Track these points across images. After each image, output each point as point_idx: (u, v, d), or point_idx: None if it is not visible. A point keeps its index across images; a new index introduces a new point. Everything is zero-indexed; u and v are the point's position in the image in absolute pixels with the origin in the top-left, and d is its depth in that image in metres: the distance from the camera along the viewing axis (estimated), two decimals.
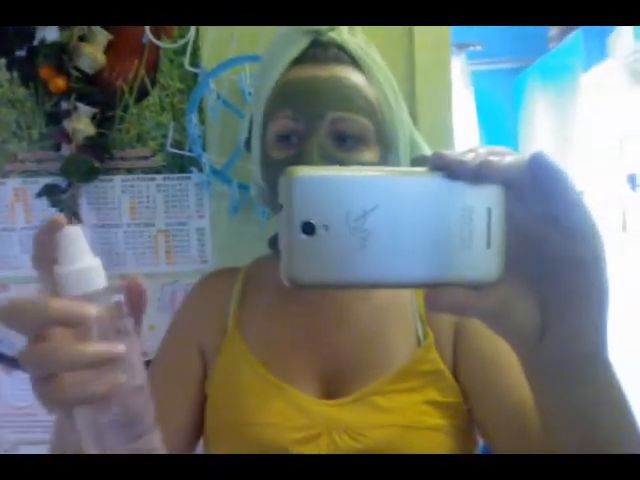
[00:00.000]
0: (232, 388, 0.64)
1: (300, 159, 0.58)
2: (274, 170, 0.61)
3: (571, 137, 2.24)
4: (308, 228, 0.30)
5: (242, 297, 0.70)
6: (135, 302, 0.39)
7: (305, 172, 0.31)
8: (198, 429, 0.67)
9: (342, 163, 0.57)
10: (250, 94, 0.88)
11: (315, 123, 0.58)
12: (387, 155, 0.63)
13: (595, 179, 2.05)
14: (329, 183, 0.31)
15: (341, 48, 0.61)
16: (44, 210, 0.97)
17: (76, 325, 0.34)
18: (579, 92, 2.15)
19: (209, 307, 0.71)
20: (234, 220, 0.94)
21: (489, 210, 0.32)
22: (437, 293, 0.32)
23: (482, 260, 0.32)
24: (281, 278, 0.31)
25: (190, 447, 0.67)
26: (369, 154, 0.60)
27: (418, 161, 0.65)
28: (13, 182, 0.98)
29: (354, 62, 0.61)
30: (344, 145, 0.59)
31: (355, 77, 0.61)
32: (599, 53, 2.07)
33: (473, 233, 0.32)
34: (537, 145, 2.30)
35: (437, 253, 0.31)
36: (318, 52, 0.61)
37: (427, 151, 0.66)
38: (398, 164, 0.64)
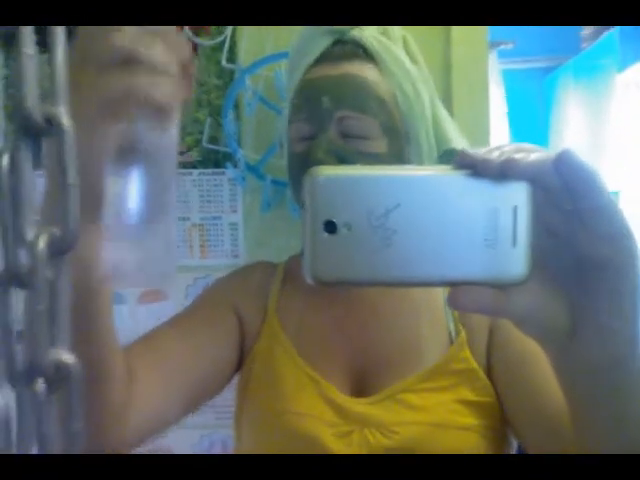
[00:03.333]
0: (269, 374, 0.65)
1: (310, 155, 0.61)
2: (292, 165, 0.65)
3: (604, 138, 2.20)
4: (330, 227, 0.30)
5: (282, 287, 0.71)
6: (187, 75, 0.39)
7: (328, 172, 0.31)
8: (217, 383, 0.67)
9: (347, 155, 0.60)
10: (285, 90, 0.89)
11: (324, 122, 0.61)
12: (404, 147, 0.64)
13: (630, 181, 2.02)
14: (351, 182, 0.31)
15: (358, 44, 0.62)
16: None
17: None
18: (613, 92, 2.11)
19: (250, 288, 0.71)
20: (266, 216, 0.95)
21: (515, 208, 0.31)
22: (460, 292, 0.32)
23: (508, 259, 0.31)
24: (304, 276, 0.31)
25: (206, 396, 0.66)
26: (376, 145, 0.61)
27: (446, 155, 0.66)
28: None
29: (370, 57, 0.63)
30: (350, 141, 0.61)
31: (368, 73, 0.62)
32: (635, 53, 2.03)
33: (499, 232, 0.31)
34: (568, 145, 2.27)
35: (461, 252, 0.31)
36: (336, 50, 0.63)
37: (457, 144, 0.66)
38: (420, 157, 0.65)
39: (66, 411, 0.21)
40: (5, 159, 0.23)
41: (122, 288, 0.39)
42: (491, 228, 0.31)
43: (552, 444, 0.53)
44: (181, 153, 0.95)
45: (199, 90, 0.94)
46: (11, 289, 0.23)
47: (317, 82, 0.63)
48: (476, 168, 0.31)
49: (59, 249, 0.23)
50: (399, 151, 0.63)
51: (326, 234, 0.30)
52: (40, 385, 0.22)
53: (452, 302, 0.32)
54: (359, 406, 0.62)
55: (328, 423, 0.61)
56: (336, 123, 0.61)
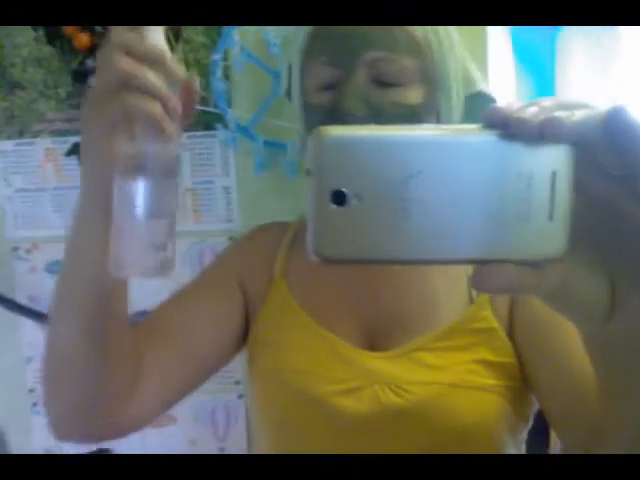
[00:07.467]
0: (276, 336, 0.64)
1: (337, 105, 0.54)
2: (314, 118, 0.58)
3: (612, 84, 2.14)
4: (339, 197, 0.26)
5: (290, 248, 0.69)
6: (188, 101, 0.42)
7: (336, 132, 0.27)
8: (223, 355, 0.67)
9: (382, 105, 0.54)
10: (275, 45, 0.86)
11: (353, 66, 0.54)
12: (435, 93, 0.58)
13: None
14: (364, 145, 0.27)
15: None
16: (75, 169, 0.97)
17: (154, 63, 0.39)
18: (621, 37, 2.03)
19: (258, 254, 0.70)
20: (260, 178, 0.93)
21: (554, 174, 0.27)
22: (487, 271, 0.28)
23: (543, 233, 0.27)
24: (307, 252, 0.27)
25: (213, 365, 0.67)
26: (412, 94, 0.56)
27: (472, 99, 0.61)
28: (43, 142, 0.98)
29: None
30: (384, 86, 0.55)
31: None
32: None
33: (533, 202, 0.27)
34: (575, 91, 2.21)
35: (489, 226, 0.27)
36: None
37: (484, 87, 0.60)
38: (450, 107, 0.59)
39: None
40: None
41: (122, 278, 0.48)
42: (525, 198, 0.27)
43: (575, 406, 0.51)
44: None
45: (186, 49, 0.91)
46: None
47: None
48: (509, 128, 0.27)
49: None
50: (433, 102, 0.58)
51: (334, 205, 0.26)
52: None
53: (476, 283, 0.28)
54: (370, 359, 0.59)
55: (336, 379, 0.59)
56: (367, 66, 0.54)
